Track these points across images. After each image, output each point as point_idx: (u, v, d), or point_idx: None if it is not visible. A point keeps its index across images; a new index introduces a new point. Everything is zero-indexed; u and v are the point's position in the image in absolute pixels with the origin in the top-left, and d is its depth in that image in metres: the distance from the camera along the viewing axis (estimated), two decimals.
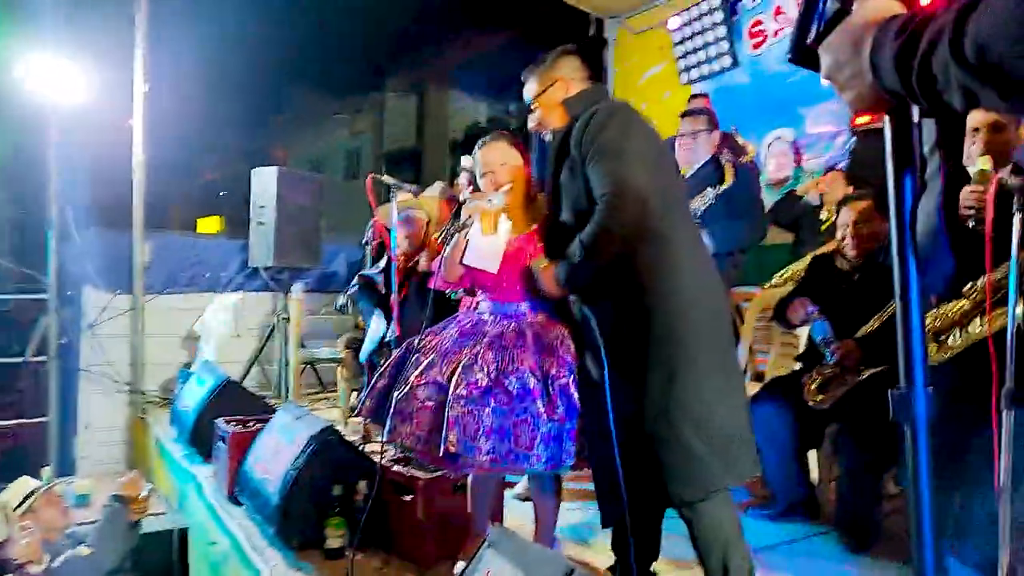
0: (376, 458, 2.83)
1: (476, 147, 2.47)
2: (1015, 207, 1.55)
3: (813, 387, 2.89)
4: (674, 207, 2.05)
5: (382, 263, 4.42)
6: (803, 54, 0.87)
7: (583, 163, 2.01)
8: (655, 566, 2.31)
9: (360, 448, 2.97)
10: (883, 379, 2.73)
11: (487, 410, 2.07)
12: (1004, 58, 0.63)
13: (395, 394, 2.22)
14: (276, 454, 2.97)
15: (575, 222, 2.08)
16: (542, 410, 2.07)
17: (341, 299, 4.87)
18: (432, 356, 2.24)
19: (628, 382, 1.97)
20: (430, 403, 2.14)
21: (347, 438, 3.01)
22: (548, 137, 2.22)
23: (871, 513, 2.84)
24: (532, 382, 2.10)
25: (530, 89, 2.24)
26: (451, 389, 2.10)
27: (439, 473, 2.63)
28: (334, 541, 2.68)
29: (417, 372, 2.21)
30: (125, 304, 5.42)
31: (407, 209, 3.92)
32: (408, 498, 2.64)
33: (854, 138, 5.15)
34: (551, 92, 2.18)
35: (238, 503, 3.19)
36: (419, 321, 2.64)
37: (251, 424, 3.42)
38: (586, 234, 1.98)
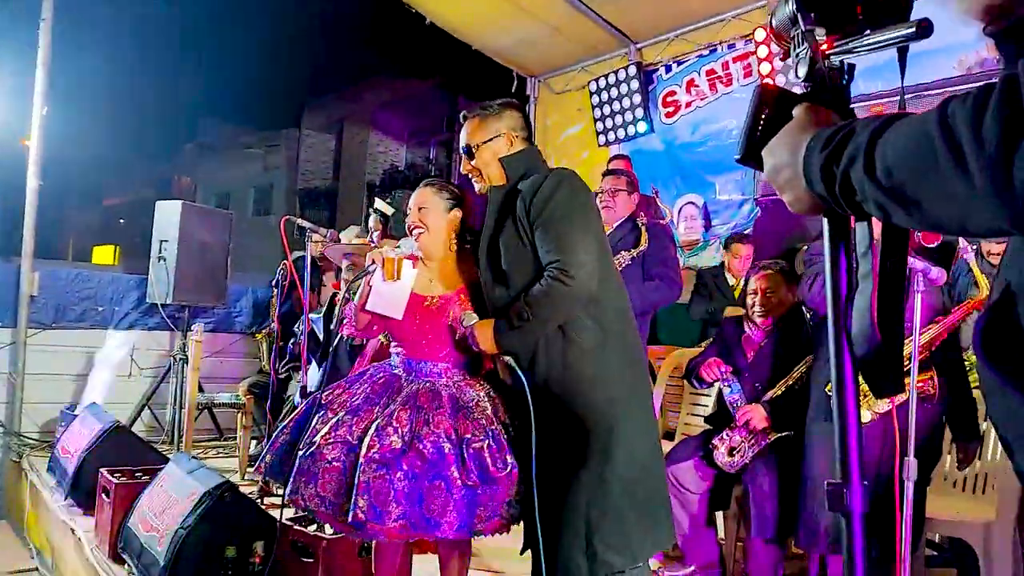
0: (275, 514, 2.69)
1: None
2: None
3: (722, 449, 2.96)
4: (609, 275, 2.11)
5: (322, 309, 4.31)
6: (749, 154, 0.90)
7: (531, 224, 2.04)
8: None
9: (258, 504, 2.82)
10: (789, 443, 2.83)
11: (399, 474, 1.99)
12: (905, 184, 0.68)
13: (299, 452, 2.10)
14: (165, 510, 2.78)
15: (514, 280, 2.09)
16: (456, 476, 2.02)
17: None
18: (341, 413, 2.14)
19: (564, 442, 1.99)
20: (337, 464, 2.03)
21: (245, 491, 2.86)
22: (479, 188, 2.23)
23: (776, 573, 2.92)
24: (447, 446, 2.04)
25: (471, 134, 2.21)
26: (363, 451, 2.01)
27: (342, 535, 2.52)
28: None
29: (325, 430, 2.11)
30: (5, 339, 5.04)
31: (350, 253, 3.82)
32: (308, 561, 2.52)
33: (758, 208, 5.43)
34: (493, 144, 2.18)
35: (120, 562, 2.96)
36: (347, 370, 2.55)
37: (138, 475, 3.21)
38: (535, 299, 1.99)
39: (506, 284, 2.11)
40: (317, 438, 2.10)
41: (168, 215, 5.06)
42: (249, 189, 17.30)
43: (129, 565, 2.89)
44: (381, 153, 13.44)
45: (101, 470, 3.30)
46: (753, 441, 2.92)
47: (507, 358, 2.06)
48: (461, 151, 2.27)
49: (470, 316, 2.16)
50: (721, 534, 3.20)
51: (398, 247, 2.27)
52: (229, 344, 5.88)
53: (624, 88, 6.04)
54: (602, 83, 6.15)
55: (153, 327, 5.55)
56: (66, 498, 3.76)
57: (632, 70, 5.97)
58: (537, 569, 1.97)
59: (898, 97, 1.02)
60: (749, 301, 3.17)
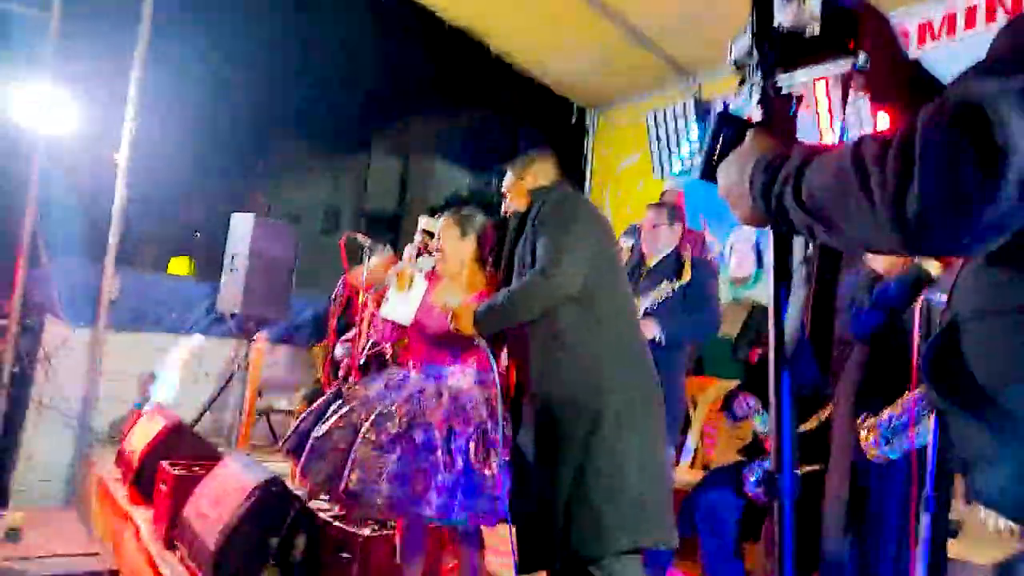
0: (320, 515, 2.90)
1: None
2: None
3: (752, 480, 3.00)
4: (609, 288, 2.27)
5: (350, 333, 4.55)
6: (709, 173, 1.02)
7: (535, 237, 2.26)
8: None
9: (304, 503, 2.98)
10: (820, 477, 2.85)
11: (392, 457, 2.25)
12: (824, 209, 0.79)
13: (313, 435, 2.40)
14: (217, 501, 2.98)
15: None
16: (440, 462, 2.25)
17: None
18: (355, 403, 2.44)
19: (547, 441, 2.14)
20: (343, 445, 2.31)
21: (293, 492, 3.03)
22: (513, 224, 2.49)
23: None
24: (436, 436, 2.29)
25: (507, 179, 2.54)
26: (360, 433, 2.27)
27: (380, 533, 2.68)
28: None
29: (337, 416, 2.40)
30: (85, 338, 5.39)
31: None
32: (346, 556, 2.66)
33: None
34: (522, 182, 2.48)
35: (173, 549, 3.16)
36: None
37: (195, 469, 3.42)
38: (515, 287, 2.22)
39: None
40: (329, 423, 2.39)
41: (241, 228, 5.36)
42: (318, 209, 17.87)
43: (181, 552, 3.08)
44: (445, 180, 13.77)
45: (161, 463, 3.53)
46: None
47: (482, 341, 2.30)
48: (501, 193, 2.60)
49: (453, 298, 2.44)
50: (749, 565, 3.22)
51: (416, 263, 2.62)
52: (290, 355, 6.14)
53: (682, 122, 6.13)
54: (659, 116, 6.25)
55: (220, 335, 5.85)
56: (129, 488, 4.01)
57: (690, 103, 6.06)
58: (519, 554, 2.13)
59: None
60: None
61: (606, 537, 2.04)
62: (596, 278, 2.20)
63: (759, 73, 1.01)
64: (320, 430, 2.40)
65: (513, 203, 2.50)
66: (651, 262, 3.81)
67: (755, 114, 1.02)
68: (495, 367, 2.29)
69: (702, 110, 6.05)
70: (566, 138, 6.93)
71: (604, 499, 2.05)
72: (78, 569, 3.44)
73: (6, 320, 5.14)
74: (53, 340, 5.30)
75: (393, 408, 2.36)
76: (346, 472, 2.23)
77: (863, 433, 2.56)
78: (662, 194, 5.47)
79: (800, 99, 1.03)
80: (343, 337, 4.64)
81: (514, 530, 2.15)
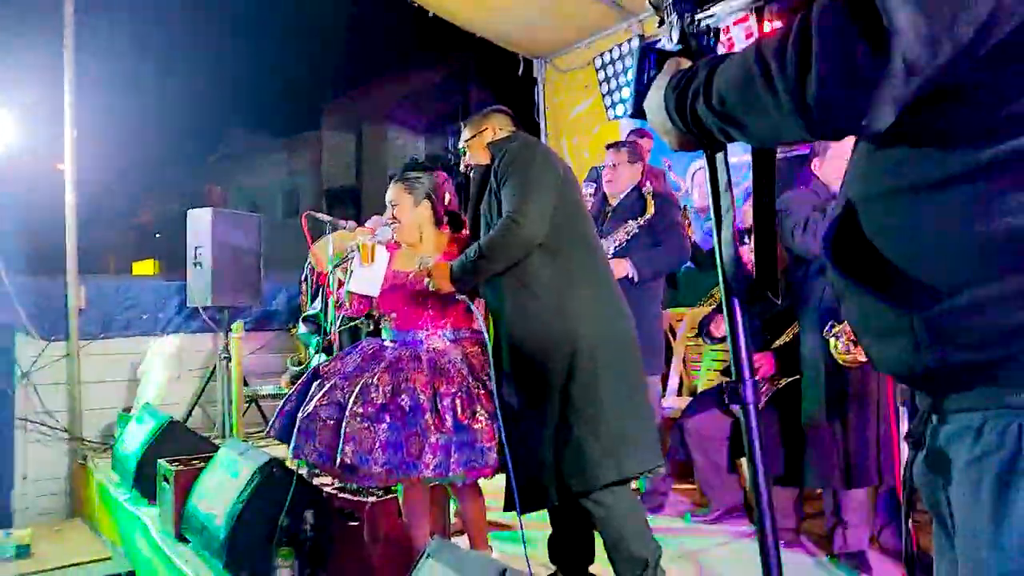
0: (323, 490, 2.96)
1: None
2: None
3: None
4: (574, 230, 2.34)
5: (318, 303, 4.57)
6: (638, 110, 1.07)
7: (499, 189, 2.31)
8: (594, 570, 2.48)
9: (304, 477, 3.04)
10: (798, 387, 2.97)
11: (383, 426, 2.31)
12: (734, 108, 0.85)
13: (300, 415, 2.44)
14: (221, 489, 3.02)
15: None
16: (430, 423, 2.32)
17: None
18: (335, 379, 2.49)
19: (527, 386, 2.24)
20: (331, 421, 2.38)
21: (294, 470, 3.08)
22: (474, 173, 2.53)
23: (795, 515, 3.07)
24: (422, 399, 2.35)
25: (464, 135, 2.59)
26: (348, 407, 2.32)
27: (384, 498, 2.75)
28: (283, 571, 2.74)
29: (320, 394, 2.45)
30: (60, 351, 5.35)
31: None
32: (354, 524, 2.73)
33: None
34: (480, 137, 2.51)
35: (185, 540, 3.22)
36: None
37: (194, 462, 3.45)
38: (484, 240, 2.27)
39: None
40: (314, 401, 2.43)
41: (200, 222, 5.30)
42: (277, 194, 17.68)
43: (193, 543, 3.14)
44: (400, 147, 13.67)
45: (160, 460, 3.56)
46: (765, 388, 3.06)
47: (462, 297, 2.37)
48: (459, 152, 2.64)
49: (427, 258, 2.49)
50: (744, 481, 3.36)
51: (375, 235, 2.61)
52: (268, 341, 6.14)
53: (628, 61, 6.13)
54: (607, 58, 6.26)
55: (196, 330, 5.82)
56: (130, 490, 4.04)
57: (635, 43, 6.06)
58: (510, 497, 2.24)
59: None
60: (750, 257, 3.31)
61: (592, 471, 2.14)
62: (561, 222, 2.26)
63: (675, 12, 1.06)
64: (306, 410, 2.45)
65: (473, 159, 2.53)
66: (614, 202, 3.87)
67: (673, 50, 1.06)
68: (480, 318, 2.34)
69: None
70: (516, 91, 6.91)
71: (585, 435, 2.14)
72: (95, 574, 3.48)
73: None
74: (27, 358, 5.26)
75: (375, 379, 2.41)
76: (339, 447, 2.30)
77: (831, 341, 2.68)
78: (628, 134, 5.50)
79: (718, 33, 1.07)
80: (303, 316, 4.69)
81: (511, 474, 2.22)
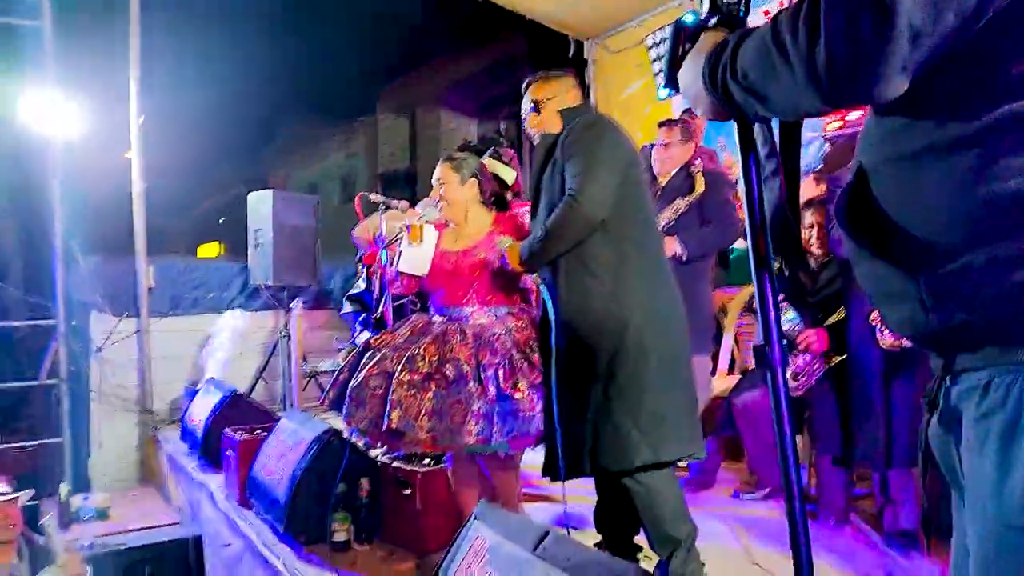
0: (378, 459, 3.09)
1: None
2: None
3: (787, 375, 3.10)
4: (635, 212, 2.32)
5: (361, 282, 4.73)
6: (672, 82, 1.10)
7: (564, 163, 2.31)
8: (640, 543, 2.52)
9: (360, 446, 3.17)
10: (849, 365, 2.95)
11: (428, 394, 2.39)
12: (755, 82, 0.88)
13: (351, 384, 2.54)
14: (282, 457, 3.17)
15: (548, 213, 2.36)
16: (473, 391, 2.38)
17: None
18: (385, 350, 2.57)
19: (575, 362, 2.26)
20: (380, 390, 2.46)
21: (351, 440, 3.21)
22: (536, 142, 2.51)
23: (843, 495, 3.06)
24: (466, 369, 2.42)
25: (536, 92, 2.52)
26: (396, 377, 2.41)
27: (435, 468, 2.86)
28: (340, 535, 2.88)
29: (371, 364, 2.53)
30: (131, 328, 5.63)
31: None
32: (407, 492, 2.84)
33: (827, 144, 5.39)
34: (549, 103, 2.47)
35: (248, 506, 3.38)
36: None
37: (257, 432, 3.62)
38: (549, 221, 2.28)
39: (544, 216, 2.38)
40: (364, 371, 2.51)
41: (261, 204, 5.51)
42: (334, 178, 18.01)
43: (256, 507, 3.30)
44: (453, 130, 13.75)
45: (225, 430, 3.74)
46: (816, 365, 3.04)
47: (534, 276, 2.40)
48: (528, 109, 2.55)
49: (504, 240, 2.54)
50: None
51: (422, 215, 2.69)
52: (326, 319, 6.34)
53: None
54: (658, 36, 6.20)
55: (258, 308, 6.07)
56: (198, 459, 4.26)
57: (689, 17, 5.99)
58: (550, 463, 2.30)
59: None
60: (805, 234, 3.28)
61: (628, 452, 2.17)
62: (623, 203, 2.26)
63: None
64: (356, 380, 2.54)
65: (544, 125, 2.48)
66: (663, 181, 3.86)
67: (708, 21, 1.09)
68: (549, 299, 2.35)
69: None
70: None
71: (624, 417, 2.17)
72: (165, 537, 3.68)
73: (53, 320, 5.37)
74: (101, 334, 5.54)
75: (421, 349, 2.49)
76: (386, 413, 2.38)
77: (877, 327, 2.66)
78: (681, 114, 5.45)
79: (748, 3, 1.10)
80: (346, 295, 4.83)
81: (556, 442, 2.27)
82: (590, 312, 2.25)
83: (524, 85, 2.58)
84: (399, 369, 2.43)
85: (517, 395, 2.41)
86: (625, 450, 2.17)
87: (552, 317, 2.34)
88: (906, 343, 2.62)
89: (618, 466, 2.20)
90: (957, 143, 0.80)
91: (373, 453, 3.35)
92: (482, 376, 2.41)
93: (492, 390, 2.39)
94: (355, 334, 4.72)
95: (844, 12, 0.76)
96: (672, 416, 2.23)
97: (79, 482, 5.18)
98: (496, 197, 2.86)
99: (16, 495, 3.39)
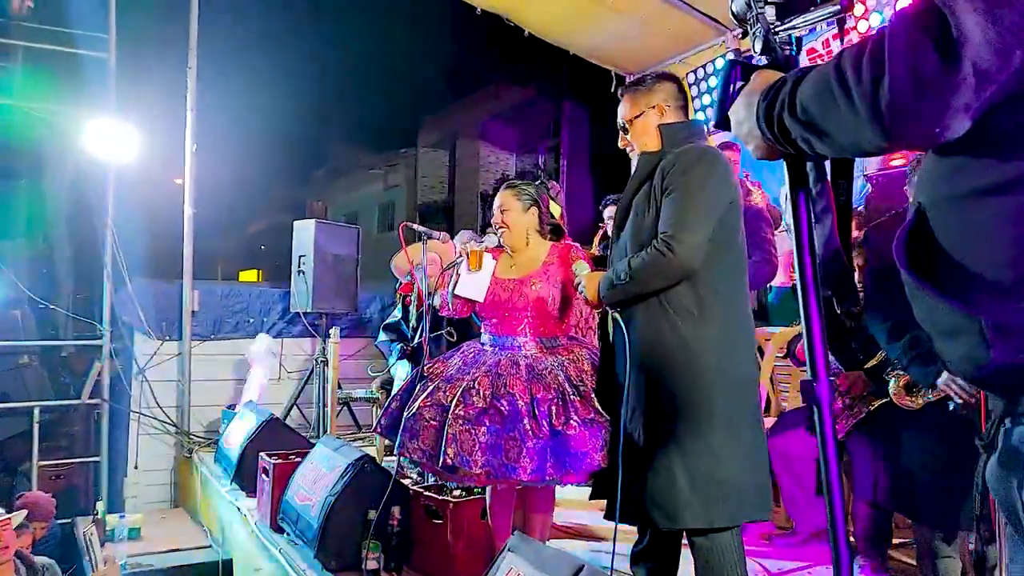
0: (411, 488, 3.08)
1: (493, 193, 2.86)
2: None
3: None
4: (723, 257, 2.14)
5: (397, 312, 4.78)
6: (722, 120, 1.10)
7: (662, 193, 2.13)
8: None
9: (393, 474, 3.17)
10: (889, 409, 2.88)
11: (483, 429, 2.37)
12: (816, 119, 0.88)
13: (405, 414, 2.53)
14: (315, 482, 3.18)
15: (633, 240, 2.22)
16: (528, 428, 2.36)
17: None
18: (438, 381, 2.57)
19: (641, 408, 2.15)
20: (435, 422, 2.45)
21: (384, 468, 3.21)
22: (634, 157, 2.33)
23: (883, 542, 2.96)
24: (521, 404, 2.40)
25: (624, 110, 2.31)
26: (451, 410, 2.40)
27: (467, 499, 2.84)
28: (371, 563, 2.87)
29: (424, 395, 2.53)
30: (173, 350, 5.74)
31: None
32: (438, 522, 2.83)
33: (868, 185, 5.33)
34: (647, 116, 2.26)
35: (280, 531, 3.39)
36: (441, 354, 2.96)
37: (292, 457, 3.64)
38: (637, 262, 2.11)
39: (629, 243, 2.23)
40: (418, 402, 2.50)
41: (304, 232, 5.61)
42: (374, 207, 18.28)
43: (288, 532, 3.30)
44: (492, 163, 13.90)
45: (260, 454, 3.77)
46: (856, 408, 2.97)
47: (614, 312, 2.22)
48: (618, 127, 2.35)
49: (582, 266, 2.44)
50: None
51: (482, 242, 2.71)
52: (361, 347, 6.39)
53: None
54: (700, 74, 6.22)
55: (297, 335, 6.16)
56: (231, 483, 4.29)
57: (730, 57, 6.01)
58: (611, 513, 2.16)
59: None
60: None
61: (680, 511, 2.05)
62: (714, 249, 2.09)
63: (759, 23, 1.10)
64: (411, 410, 2.52)
65: (640, 141, 2.28)
66: (739, 218, 3.83)
67: (760, 60, 1.10)
68: (627, 337, 2.19)
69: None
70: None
71: (681, 473, 2.05)
72: (196, 559, 3.71)
73: (99, 340, 5.50)
74: (144, 355, 5.66)
75: (476, 383, 2.47)
76: (442, 448, 2.36)
77: (891, 382, 2.59)
78: (721, 145, 5.45)
79: (800, 43, 1.10)
80: (383, 324, 4.88)
81: (619, 481, 2.12)
82: (661, 358, 2.12)
83: (619, 94, 2.37)
84: (454, 403, 2.41)
85: (570, 432, 2.36)
86: (676, 508, 2.05)
87: (621, 350, 2.22)
88: (911, 404, 2.62)
89: (667, 523, 2.08)
90: (1015, 182, 0.80)
91: (406, 481, 3.34)
92: (536, 411, 2.39)
93: (545, 426, 2.37)
94: (390, 364, 4.76)
95: (909, 50, 0.76)
96: (733, 479, 2.07)
97: (114, 501, 5.26)
98: (553, 227, 2.85)
99: (8, 516, 3.45)
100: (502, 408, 2.40)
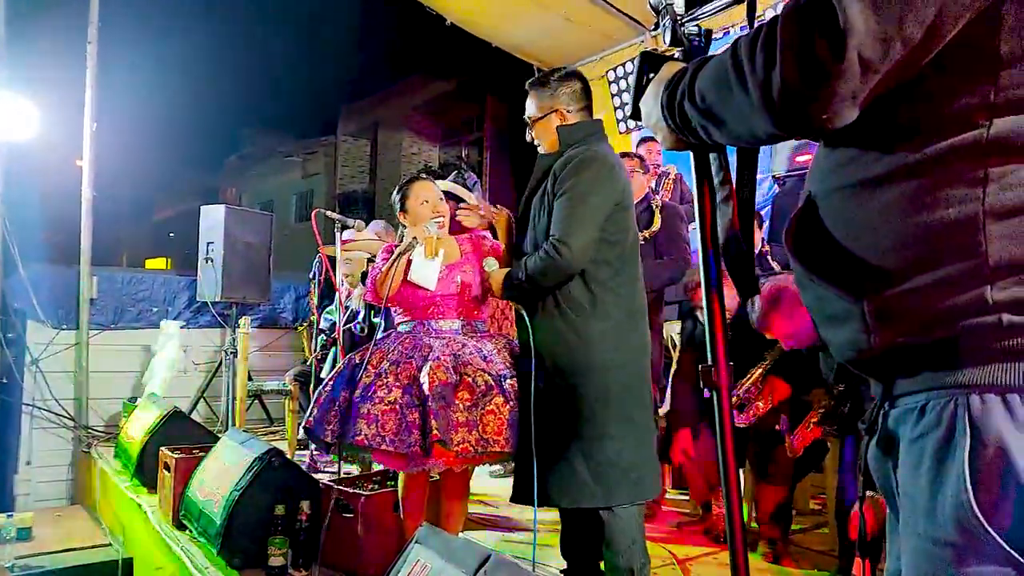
0: (320, 482, 3.01)
1: (406, 184, 2.82)
2: None
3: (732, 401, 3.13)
4: (612, 253, 2.31)
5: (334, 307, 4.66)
6: (637, 112, 1.12)
7: (554, 196, 2.29)
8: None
9: (302, 468, 3.09)
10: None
11: (455, 406, 2.36)
12: (713, 106, 0.90)
13: (356, 399, 2.44)
14: (220, 477, 3.06)
15: (530, 242, 2.41)
16: (502, 401, 2.40)
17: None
18: (385, 365, 2.50)
19: (545, 398, 2.30)
20: (395, 405, 2.38)
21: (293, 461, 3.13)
22: (542, 150, 2.46)
23: (785, 526, 3.09)
24: (489, 378, 2.43)
25: (530, 108, 2.44)
26: (427, 386, 2.36)
27: (379, 491, 2.80)
28: (276, 559, 2.78)
29: (371, 380, 2.46)
30: (70, 339, 5.44)
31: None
32: (349, 516, 2.77)
33: (776, 185, 5.53)
34: (548, 119, 2.39)
35: (183, 528, 3.26)
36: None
37: (195, 451, 3.50)
38: (531, 263, 2.30)
39: (528, 244, 2.43)
40: (373, 388, 2.43)
41: (213, 218, 5.39)
42: (291, 196, 17.84)
43: (190, 530, 3.18)
44: (415, 154, 13.76)
45: (162, 448, 3.61)
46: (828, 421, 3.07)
47: (519, 308, 2.41)
48: (525, 120, 2.49)
49: (490, 262, 2.55)
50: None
51: (427, 228, 2.66)
52: (275, 338, 6.22)
53: None
54: (620, 72, 6.31)
55: (204, 325, 5.93)
56: (132, 478, 4.10)
57: (643, 49, 6.12)
58: (521, 494, 2.33)
59: None
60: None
61: (581, 493, 2.23)
62: (602, 246, 2.27)
63: (667, 15, 1.12)
64: (364, 394, 2.45)
65: (541, 140, 2.44)
66: (629, 213, 3.91)
67: (671, 51, 1.11)
68: (529, 328, 2.34)
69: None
70: None
71: (580, 460, 2.23)
72: (94, 559, 3.53)
73: None
74: (37, 344, 5.34)
75: (440, 360, 2.45)
76: (426, 424, 2.32)
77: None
78: (637, 144, 5.54)
79: (709, 34, 1.13)
80: (325, 311, 4.76)
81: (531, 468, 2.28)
82: (558, 355, 2.29)
83: (527, 85, 2.48)
84: (426, 380, 2.37)
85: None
86: (579, 491, 2.22)
87: (525, 341, 2.38)
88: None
89: (569, 504, 2.26)
90: (900, 173, 0.83)
91: (317, 476, 3.27)
92: (504, 386, 2.43)
93: (512, 398, 2.41)
94: (317, 351, 4.65)
95: (799, 37, 0.78)
96: (627, 462, 2.25)
97: (4, 500, 4.95)
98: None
99: None
100: (473, 384, 2.41)
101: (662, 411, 4.07)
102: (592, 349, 2.26)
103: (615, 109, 6.42)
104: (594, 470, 2.21)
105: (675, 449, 3.33)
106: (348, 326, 4.17)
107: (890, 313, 0.84)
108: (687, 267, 3.83)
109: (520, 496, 2.35)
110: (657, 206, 3.87)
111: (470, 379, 2.41)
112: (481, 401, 2.38)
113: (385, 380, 2.44)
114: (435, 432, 2.28)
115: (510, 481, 2.47)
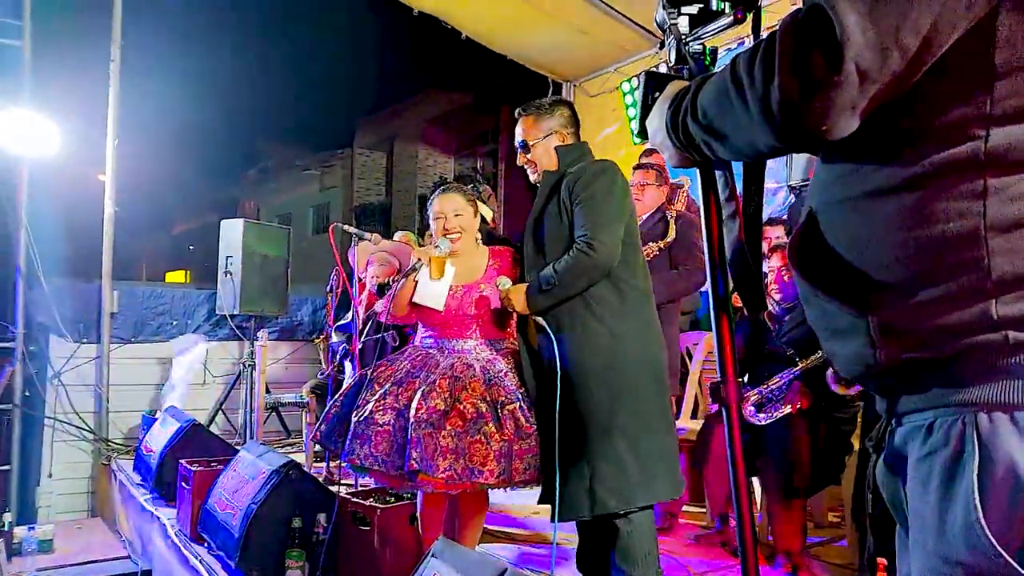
0: (338, 494, 3.01)
1: (432, 195, 2.78)
2: None
3: (750, 407, 3.10)
4: (633, 255, 2.42)
5: (350, 315, 4.66)
6: (643, 130, 1.12)
7: (572, 205, 2.37)
8: None
9: (319, 480, 3.10)
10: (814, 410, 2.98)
11: (444, 432, 2.32)
12: (714, 121, 0.90)
13: (354, 419, 2.44)
14: (238, 490, 3.08)
15: (551, 252, 2.43)
16: (494, 431, 2.34)
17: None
18: (388, 385, 2.49)
19: (580, 403, 2.30)
20: (388, 427, 2.38)
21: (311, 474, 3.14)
22: (534, 178, 2.56)
23: (801, 540, 3.05)
24: (483, 407, 2.37)
25: (527, 131, 2.54)
26: (411, 413, 2.34)
27: (396, 504, 2.80)
28: (294, 572, 2.79)
29: (375, 399, 2.45)
30: (91, 353, 5.49)
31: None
32: (366, 528, 2.77)
33: (792, 195, 5.50)
34: (546, 140, 2.51)
35: (201, 541, 3.28)
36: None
37: (214, 464, 3.52)
38: (561, 266, 2.32)
39: (544, 255, 2.45)
40: (369, 406, 2.43)
41: (232, 232, 5.45)
42: (308, 209, 17.97)
43: (208, 542, 3.20)
44: (430, 166, 13.83)
45: (181, 461, 3.64)
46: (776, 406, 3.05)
47: (539, 319, 2.40)
48: (517, 145, 2.58)
49: (504, 281, 2.51)
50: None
51: (437, 247, 2.61)
52: (292, 351, 6.25)
53: None
54: (635, 83, 6.32)
55: (223, 337, 5.97)
56: (151, 491, 4.13)
57: (662, 68, 6.12)
58: (549, 501, 2.30)
59: None
60: (768, 278, 3.32)
61: (631, 490, 2.24)
62: (624, 248, 2.35)
63: (671, 34, 1.12)
64: (361, 414, 2.44)
65: (540, 161, 2.52)
66: (637, 222, 3.90)
67: (676, 71, 1.12)
68: (553, 339, 2.33)
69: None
70: None
71: (627, 453, 2.24)
72: (113, 571, 3.56)
73: (11, 343, 5.23)
74: (59, 358, 5.41)
75: (434, 385, 2.41)
76: (406, 452, 2.30)
77: (828, 371, 2.73)
78: (643, 152, 5.54)
79: (715, 53, 1.13)
80: (336, 325, 4.76)
81: (550, 482, 2.28)
82: (595, 353, 2.32)
83: (516, 113, 2.59)
84: (415, 406, 2.35)
85: (531, 430, 2.40)
86: (627, 489, 2.23)
87: (549, 357, 2.36)
88: (850, 391, 2.72)
89: (621, 506, 2.24)
90: (900, 185, 0.83)
91: (335, 488, 3.27)
92: (500, 414, 2.38)
93: (510, 428, 2.36)
94: (332, 366, 4.66)
95: (797, 49, 0.78)
96: (666, 457, 2.31)
97: (26, 512, 5.00)
98: (485, 232, 2.89)
99: None
100: (465, 411, 2.36)
101: (680, 423, 4.06)
102: (627, 344, 2.32)
103: (629, 120, 6.42)
104: (643, 466, 2.24)
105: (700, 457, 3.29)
106: (369, 338, 4.16)
107: (895, 328, 0.84)
108: (703, 280, 3.81)
109: (565, 512, 2.31)
110: (672, 217, 3.86)
111: (461, 406, 2.37)
112: (471, 429, 2.34)
113: (383, 401, 2.44)
114: (412, 462, 2.27)
115: (529, 492, 2.47)
